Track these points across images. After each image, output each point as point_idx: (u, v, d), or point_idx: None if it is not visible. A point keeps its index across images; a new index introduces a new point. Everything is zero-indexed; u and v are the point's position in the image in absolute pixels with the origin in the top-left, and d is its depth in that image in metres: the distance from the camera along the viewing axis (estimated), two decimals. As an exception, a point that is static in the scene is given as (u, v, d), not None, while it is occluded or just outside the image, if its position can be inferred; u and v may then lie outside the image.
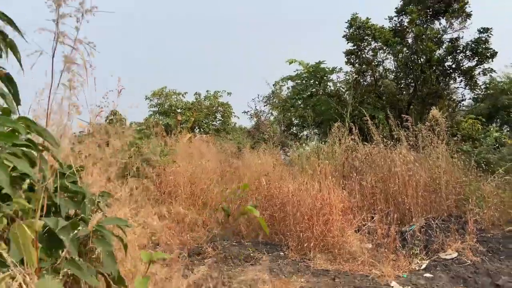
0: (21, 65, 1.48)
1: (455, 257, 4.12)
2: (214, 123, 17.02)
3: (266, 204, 5.48)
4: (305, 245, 4.59)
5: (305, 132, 13.76)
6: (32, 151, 1.49)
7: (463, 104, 11.24)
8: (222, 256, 4.55)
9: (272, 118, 16.21)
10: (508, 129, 13.00)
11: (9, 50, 1.54)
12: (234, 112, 16.94)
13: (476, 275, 3.61)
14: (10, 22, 1.57)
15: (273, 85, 15.78)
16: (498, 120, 13.15)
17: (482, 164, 6.36)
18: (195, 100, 16.55)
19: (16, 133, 1.39)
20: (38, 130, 1.48)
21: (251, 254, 4.58)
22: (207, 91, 16.81)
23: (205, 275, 3.15)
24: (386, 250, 4.34)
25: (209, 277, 3.09)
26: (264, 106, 16.30)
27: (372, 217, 5.16)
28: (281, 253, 4.71)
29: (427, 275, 3.82)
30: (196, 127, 15.62)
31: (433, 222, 4.94)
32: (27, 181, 1.46)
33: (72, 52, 1.18)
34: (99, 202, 1.61)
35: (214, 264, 4.27)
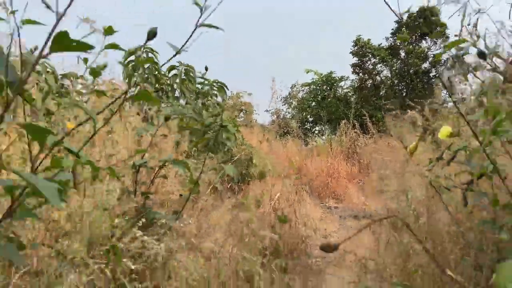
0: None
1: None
2: (238, 119, 19.97)
3: (298, 173, 8.40)
4: (322, 194, 7.52)
5: (317, 128, 16.67)
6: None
7: (445, 105, 13.96)
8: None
9: (288, 115, 19.17)
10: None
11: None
12: (255, 110, 19.88)
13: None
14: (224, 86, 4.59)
15: (290, 87, 18.72)
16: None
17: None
18: (221, 100, 19.55)
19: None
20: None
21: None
22: (230, 91, 19.79)
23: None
24: (372, 196, 7.26)
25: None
26: (283, 105, 19.24)
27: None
28: (308, 200, 7.63)
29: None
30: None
31: (404, 183, 7.82)
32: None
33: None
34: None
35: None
